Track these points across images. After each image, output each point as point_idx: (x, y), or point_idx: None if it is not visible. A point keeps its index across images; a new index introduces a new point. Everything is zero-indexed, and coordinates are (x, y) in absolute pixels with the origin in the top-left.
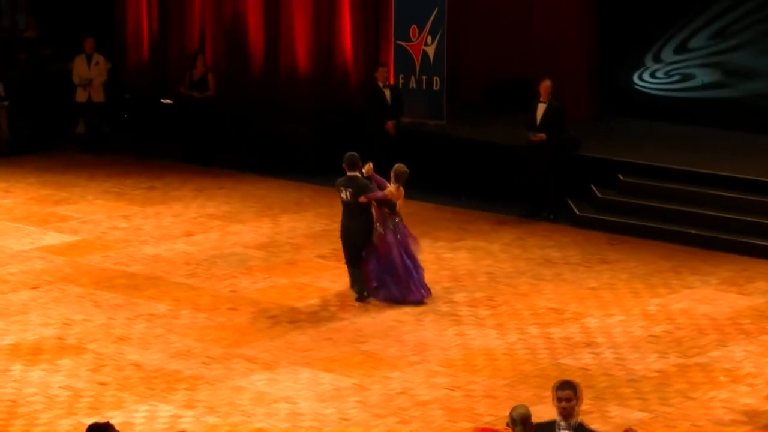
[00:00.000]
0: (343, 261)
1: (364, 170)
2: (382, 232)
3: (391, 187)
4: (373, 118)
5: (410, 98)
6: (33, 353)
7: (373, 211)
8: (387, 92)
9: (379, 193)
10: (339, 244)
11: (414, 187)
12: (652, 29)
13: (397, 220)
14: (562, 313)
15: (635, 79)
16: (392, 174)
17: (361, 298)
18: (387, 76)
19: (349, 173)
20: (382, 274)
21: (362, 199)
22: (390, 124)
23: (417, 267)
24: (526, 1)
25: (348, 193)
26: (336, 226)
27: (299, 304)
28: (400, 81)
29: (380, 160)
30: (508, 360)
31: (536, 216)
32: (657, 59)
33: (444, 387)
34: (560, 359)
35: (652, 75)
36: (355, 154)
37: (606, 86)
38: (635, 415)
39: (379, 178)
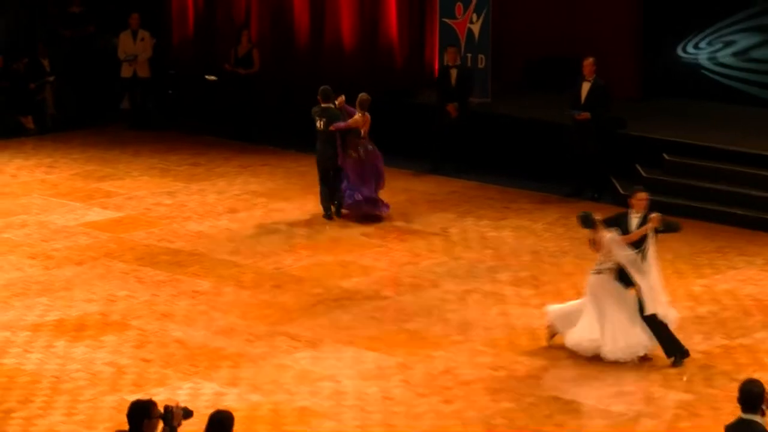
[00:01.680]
0: (388, 238)
1: (336, 102)
2: (354, 155)
3: (356, 116)
4: (436, 98)
5: None
6: (77, 329)
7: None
8: (453, 73)
9: (342, 124)
10: (383, 222)
11: (459, 166)
12: (697, 2)
13: (367, 145)
14: None
15: (680, 52)
16: (356, 102)
17: (326, 215)
18: (455, 57)
19: (323, 104)
20: (353, 192)
21: (331, 127)
22: (450, 106)
23: (380, 186)
24: None
25: (322, 123)
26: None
27: (343, 282)
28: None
29: (440, 139)
30: (552, 340)
31: (580, 195)
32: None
33: (487, 366)
34: None
35: (696, 46)
36: (328, 87)
37: (651, 64)
38: (680, 397)
39: (350, 108)
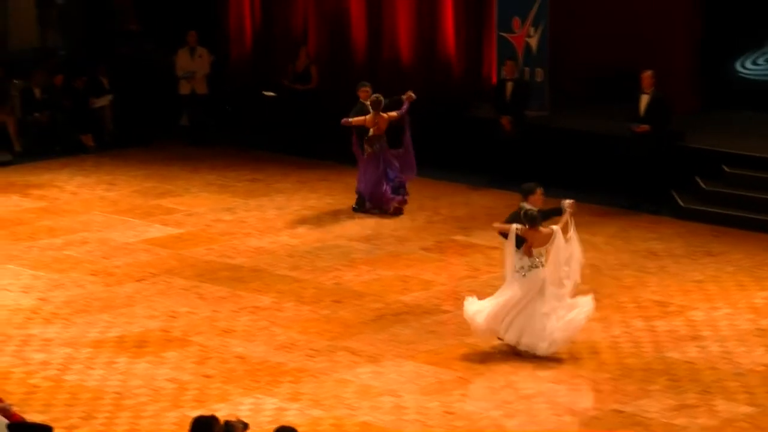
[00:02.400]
0: (447, 252)
1: (404, 96)
2: (370, 150)
3: (367, 116)
4: (493, 111)
5: None
6: (138, 345)
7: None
8: (509, 86)
9: (350, 120)
10: (443, 236)
11: (517, 178)
12: (756, 18)
13: (381, 143)
14: (666, 306)
15: (738, 67)
16: (369, 102)
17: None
18: (512, 70)
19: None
20: (363, 188)
21: (342, 121)
22: (505, 119)
23: (392, 180)
24: None
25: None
26: (439, 218)
27: (403, 297)
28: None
29: (497, 153)
30: (613, 353)
31: (640, 207)
32: (760, 46)
33: (548, 380)
34: (665, 352)
35: (754, 62)
36: (379, 96)
37: (710, 77)
38: (742, 410)
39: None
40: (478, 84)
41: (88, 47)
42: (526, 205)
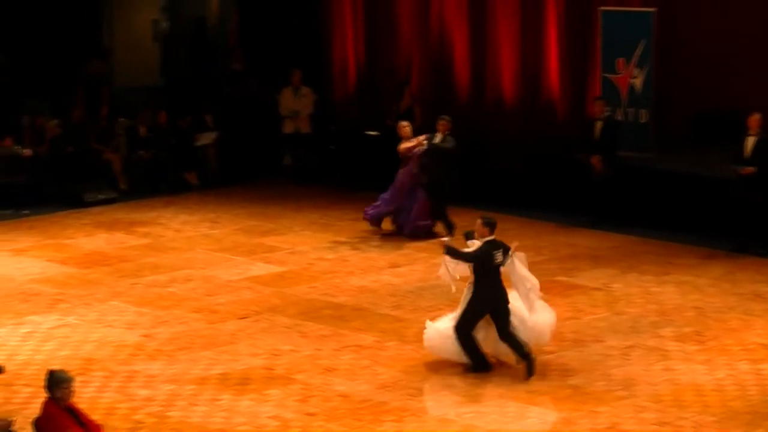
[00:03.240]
0: (550, 293)
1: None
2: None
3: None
4: (582, 151)
5: None
6: (242, 383)
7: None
8: (598, 125)
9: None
10: (545, 277)
11: (622, 220)
12: None
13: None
14: None
15: None
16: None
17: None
18: (601, 109)
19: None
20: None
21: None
22: (594, 159)
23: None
24: (735, 31)
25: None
26: (542, 258)
27: None
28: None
29: (591, 193)
30: (718, 396)
31: (746, 250)
32: None
33: (652, 423)
34: None
35: None
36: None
37: None
38: None
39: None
40: (581, 125)
41: (193, 87)
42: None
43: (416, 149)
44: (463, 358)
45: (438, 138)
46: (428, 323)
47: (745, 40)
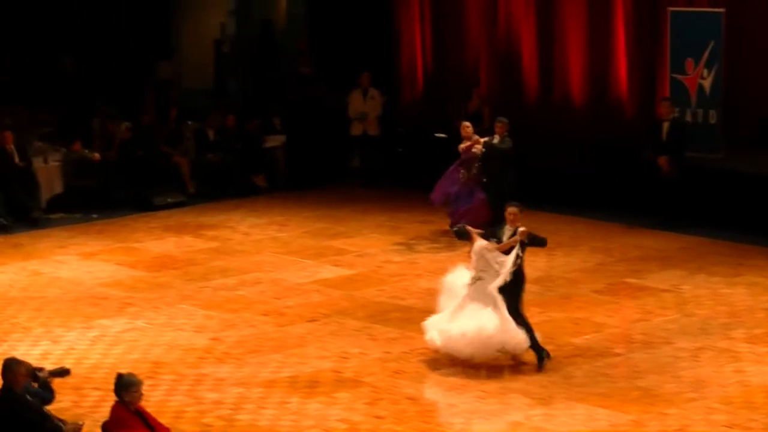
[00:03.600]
0: (620, 295)
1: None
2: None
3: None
4: (649, 152)
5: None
6: (310, 386)
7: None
8: (665, 126)
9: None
10: (614, 278)
11: (691, 221)
12: None
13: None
14: None
15: None
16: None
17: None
18: (668, 110)
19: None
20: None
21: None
22: (662, 160)
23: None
24: None
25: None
26: (611, 259)
27: (575, 339)
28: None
29: (659, 194)
30: None
31: None
32: None
33: (722, 425)
34: None
35: None
36: None
37: None
38: None
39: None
40: (649, 125)
41: (262, 90)
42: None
43: (475, 148)
44: (465, 355)
45: (496, 139)
46: (428, 324)
47: None
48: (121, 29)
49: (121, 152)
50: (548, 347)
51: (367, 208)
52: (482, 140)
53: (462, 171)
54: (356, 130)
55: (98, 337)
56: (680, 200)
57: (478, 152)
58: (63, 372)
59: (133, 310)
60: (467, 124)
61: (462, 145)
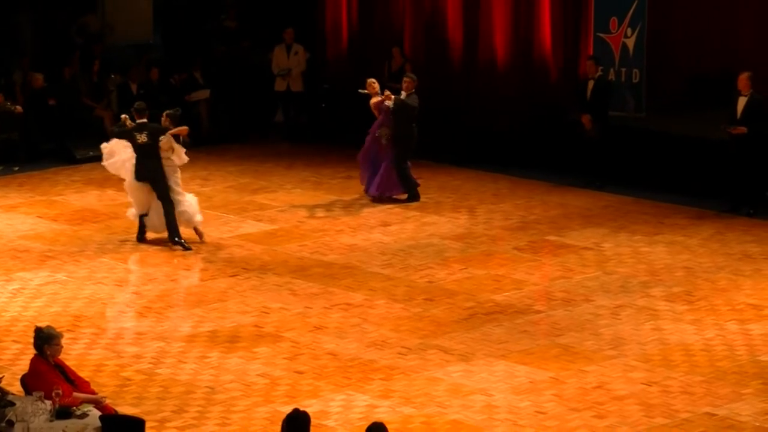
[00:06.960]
0: (540, 252)
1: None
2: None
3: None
4: (574, 110)
5: None
6: (231, 341)
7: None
8: (590, 85)
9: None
10: (536, 236)
11: (613, 180)
12: None
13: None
14: (761, 309)
15: None
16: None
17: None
18: (593, 69)
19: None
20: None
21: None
22: (585, 118)
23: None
24: None
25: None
26: (533, 217)
27: (495, 296)
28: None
29: (583, 153)
30: (706, 356)
31: (737, 211)
32: None
33: (641, 382)
34: (759, 356)
35: None
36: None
37: None
38: None
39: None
40: (574, 85)
41: (185, 44)
42: None
43: (385, 103)
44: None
45: (403, 96)
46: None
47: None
48: None
49: (33, 102)
50: (469, 304)
51: (291, 164)
52: (393, 96)
53: (381, 129)
54: (280, 85)
55: (18, 289)
56: (604, 160)
57: (390, 105)
58: None
59: (53, 264)
60: (372, 80)
61: (373, 100)
